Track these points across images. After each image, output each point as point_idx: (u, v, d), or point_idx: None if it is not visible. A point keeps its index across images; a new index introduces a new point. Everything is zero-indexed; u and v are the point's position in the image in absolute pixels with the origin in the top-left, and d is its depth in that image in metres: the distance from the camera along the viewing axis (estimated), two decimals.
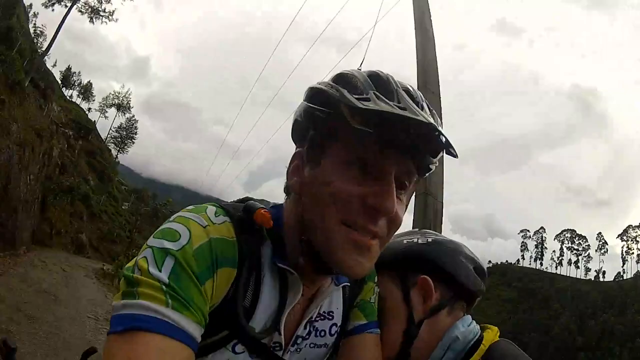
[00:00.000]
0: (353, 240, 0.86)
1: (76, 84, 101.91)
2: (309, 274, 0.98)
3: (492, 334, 1.16)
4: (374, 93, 0.83)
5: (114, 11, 29.83)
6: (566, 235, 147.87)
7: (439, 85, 5.39)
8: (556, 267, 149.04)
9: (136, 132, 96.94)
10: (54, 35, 26.95)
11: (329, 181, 0.87)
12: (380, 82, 0.87)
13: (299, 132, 1.00)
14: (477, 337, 1.16)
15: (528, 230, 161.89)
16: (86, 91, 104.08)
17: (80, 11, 29.06)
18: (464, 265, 1.24)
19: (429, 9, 6.33)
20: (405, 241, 1.29)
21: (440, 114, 5.12)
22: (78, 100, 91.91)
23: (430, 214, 5.04)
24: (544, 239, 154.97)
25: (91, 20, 29.46)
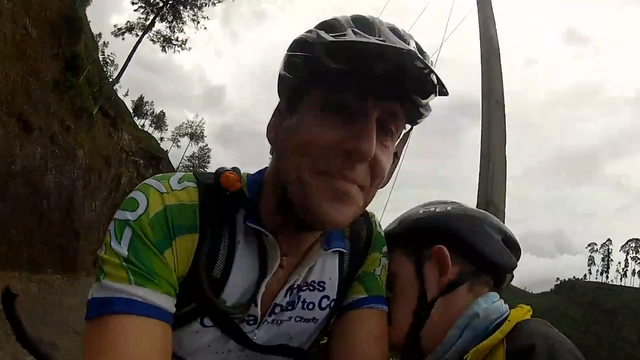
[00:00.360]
0: (329, 187, 0.79)
1: (148, 113, 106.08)
2: (288, 233, 0.91)
3: (521, 312, 1.00)
4: (352, 30, 0.77)
5: (186, 40, 30.26)
6: (631, 245, 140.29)
7: (503, 95, 5.30)
8: (621, 279, 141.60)
9: (209, 161, 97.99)
10: (124, 64, 27.65)
11: (303, 129, 0.81)
12: (362, 21, 0.80)
13: (280, 84, 0.93)
14: (503, 316, 1.00)
15: (595, 244, 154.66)
16: (159, 120, 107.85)
17: (152, 40, 29.59)
18: (488, 235, 1.10)
19: (494, 19, 6.36)
20: (421, 211, 1.18)
21: (504, 123, 5.11)
22: (150, 130, 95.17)
23: None
24: (610, 251, 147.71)
25: (163, 50, 30.05)
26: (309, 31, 0.83)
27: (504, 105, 5.29)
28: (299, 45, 0.84)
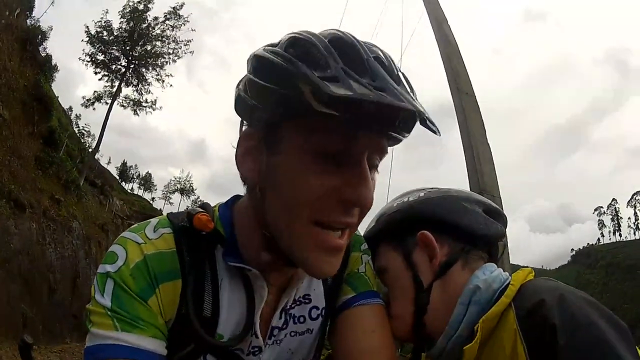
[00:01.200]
0: (325, 243, 0.78)
1: (135, 177, 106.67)
2: (274, 267, 0.91)
3: (522, 274, 0.99)
4: (342, 69, 0.69)
5: (155, 100, 30.24)
6: (637, 198, 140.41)
7: (471, 86, 5.46)
8: (634, 233, 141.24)
9: None
10: (100, 133, 27.72)
11: (296, 175, 0.76)
12: (345, 50, 0.72)
13: (244, 108, 0.85)
14: (505, 282, 0.99)
15: (602, 207, 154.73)
16: (146, 182, 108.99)
17: (122, 106, 29.64)
18: (468, 210, 1.10)
19: (446, 17, 6.55)
20: (395, 204, 1.17)
21: (479, 112, 5.24)
22: (140, 192, 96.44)
23: None
24: (617, 210, 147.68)
25: (135, 113, 29.96)
26: (283, 58, 0.72)
27: (475, 97, 5.41)
28: (271, 73, 0.74)
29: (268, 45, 0.79)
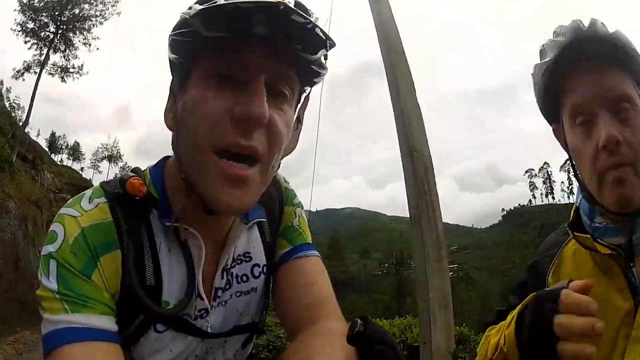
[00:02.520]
0: (225, 173, 0.77)
1: (64, 147, 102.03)
2: (202, 219, 0.89)
3: None
4: None
5: (82, 65, 29.39)
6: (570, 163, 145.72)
7: (401, 44, 5.56)
8: (568, 197, 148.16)
9: None
10: (30, 104, 26.94)
11: (193, 105, 0.79)
12: None
13: (170, 67, 0.89)
14: None
15: (533, 169, 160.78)
16: (75, 152, 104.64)
17: (51, 74, 28.66)
18: None
19: None
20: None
21: (409, 71, 5.33)
22: (69, 163, 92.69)
23: (420, 170, 5.14)
24: (550, 173, 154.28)
25: (63, 80, 29.04)
26: (188, 8, 0.78)
27: (404, 54, 5.49)
28: (178, 24, 0.80)
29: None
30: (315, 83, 0.90)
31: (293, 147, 0.91)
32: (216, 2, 0.72)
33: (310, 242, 1.09)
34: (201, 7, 0.72)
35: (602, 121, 0.92)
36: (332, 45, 0.81)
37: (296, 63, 0.81)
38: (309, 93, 0.93)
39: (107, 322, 0.80)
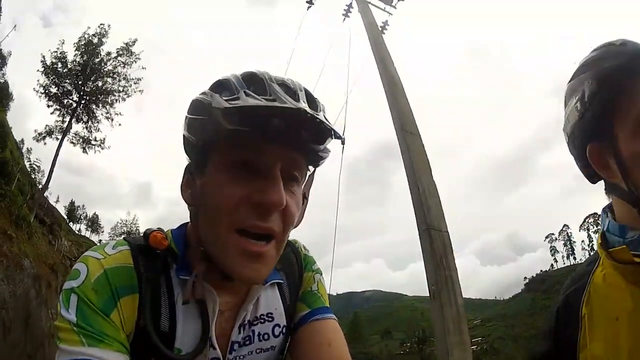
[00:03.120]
0: (246, 250, 0.85)
1: (82, 217, 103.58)
2: (216, 280, 0.95)
3: None
4: (245, 92, 0.83)
5: (104, 139, 29.40)
6: (589, 221, 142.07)
7: (416, 125, 5.67)
8: (589, 255, 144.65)
9: None
10: (50, 169, 26.96)
11: (215, 188, 0.86)
12: (254, 80, 0.87)
13: (185, 144, 0.98)
14: None
15: (553, 234, 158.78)
16: (93, 223, 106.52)
17: (72, 142, 28.71)
18: None
19: (390, 56, 6.75)
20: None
21: (424, 151, 5.40)
22: (87, 234, 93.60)
23: (438, 247, 5.14)
24: (570, 235, 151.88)
25: (84, 151, 29.09)
26: (205, 93, 0.89)
27: (419, 134, 5.58)
28: (196, 108, 0.90)
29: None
30: (319, 164, 0.99)
31: (300, 220, 0.98)
32: (238, 98, 0.82)
33: (328, 305, 1.14)
34: (225, 104, 0.81)
35: None
36: (338, 137, 0.90)
37: (306, 151, 0.91)
38: (314, 172, 1.01)
39: (122, 359, 0.83)
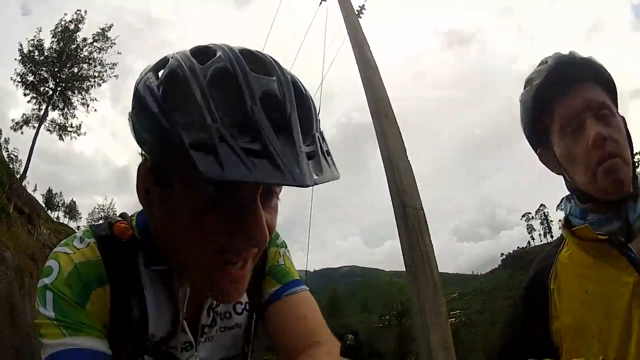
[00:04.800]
0: (227, 277, 0.79)
1: (60, 205, 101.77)
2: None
3: None
4: (218, 130, 0.61)
5: (80, 125, 28.61)
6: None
7: (391, 108, 5.81)
8: None
9: None
10: (27, 158, 26.46)
11: (187, 213, 0.75)
12: (226, 94, 0.65)
13: (137, 137, 0.76)
14: None
15: (529, 213, 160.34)
16: (71, 210, 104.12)
17: (49, 130, 28.02)
18: None
19: (366, 40, 6.78)
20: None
21: (399, 133, 5.54)
22: (65, 220, 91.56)
23: (413, 224, 5.27)
24: (547, 214, 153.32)
25: (61, 138, 28.38)
26: (162, 112, 0.67)
27: (394, 117, 5.72)
28: (152, 124, 0.69)
29: (152, 70, 0.76)
30: None
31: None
32: (223, 175, 0.60)
33: (298, 277, 1.13)
34: (188, 155, 0.61)
35: (590, 125, 1.08)
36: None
37: None
38: None
39: (103, 346, 0.85)
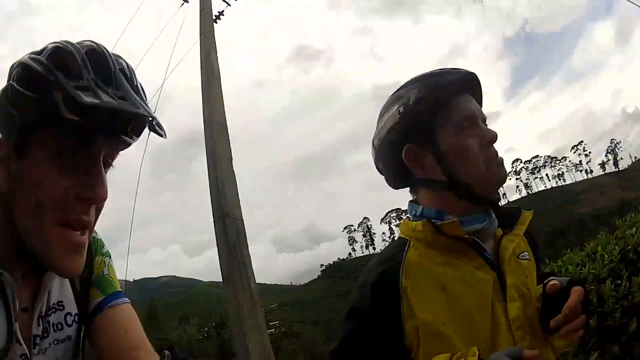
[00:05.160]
0: (71, 243, 0.82)
1: None
2: (27, 273, 0.91)
3: None
4: (94, 80, 0.77)
5: None
6: (392, 215, 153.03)
7: (225, 118, 5.87)
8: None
9: None
10: None
11: (40, 177, 0.80)
12: (99, 62, 0.81)
13: (2, 116, 0.84)
14: None
15: (352, 225, 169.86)
16: None
17: None
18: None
19: (215, 47, 6.75)
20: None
21: (229, 142, 5.57)
22: None
23: (232, 234, 5.30)
24: (370, 227, 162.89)
25: None
26: (44, 66, 0.78)
27: (226, 127, 5.70)
28: (29, 80, 0.79)
29: (33, 53, 0.83)
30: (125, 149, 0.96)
31: None
32: (94, 100, 0.75)
33: (120, 289, 1.11)
34: (72, 95, 0.74)
35: (483, 127, 1.21)
36: (161, 134, 0.92)
37: (129, 143, 0.89)
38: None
39: None
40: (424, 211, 1.24)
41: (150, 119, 0.86)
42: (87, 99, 0.75)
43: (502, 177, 1.20)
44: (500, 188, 1.26)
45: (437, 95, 1.19)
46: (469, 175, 1.18)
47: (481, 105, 1.26)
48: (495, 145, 1.21)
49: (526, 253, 1.25)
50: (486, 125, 1.23)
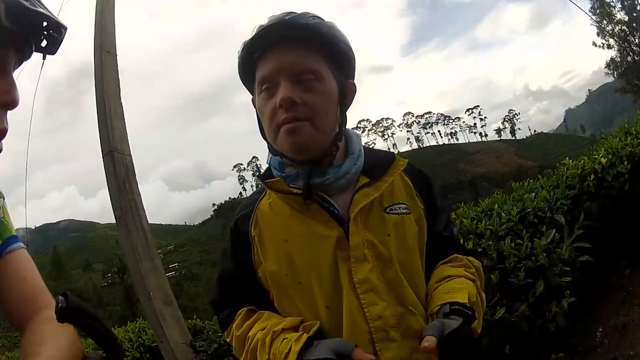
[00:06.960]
0: None
1: None
2: None
3: None
4: None
5: None
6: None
7: (115, 44, 5.47)
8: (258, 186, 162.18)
9: None
10: None
11: None
12: None
13: None
14: None
15: (241, 164, 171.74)
16: None
17: None
18: None
19: None
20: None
21: (117, 71, 5.28)
22: None
23: (121, 170, 5.09)
24: (259, 166, 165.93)
25: None
26: None
27: (116, 54, 5.35)
28: None
29: None
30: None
31: None
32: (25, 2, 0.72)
33: (15, 233, 1.05)
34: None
35: (282, 87, 1.09)
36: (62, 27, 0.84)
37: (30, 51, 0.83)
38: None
39: None
40: (271, 160, 1.25)
41: (53, 19, 0.78)
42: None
43: (290, 145, 1.11)
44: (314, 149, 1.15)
45: (244, 60, 1.18)
46: (270, 139, 1.18)
47: (329, 50, 1.15)
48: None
49: (402, 205, 1.20)
50: (311, 77, 1.12)
